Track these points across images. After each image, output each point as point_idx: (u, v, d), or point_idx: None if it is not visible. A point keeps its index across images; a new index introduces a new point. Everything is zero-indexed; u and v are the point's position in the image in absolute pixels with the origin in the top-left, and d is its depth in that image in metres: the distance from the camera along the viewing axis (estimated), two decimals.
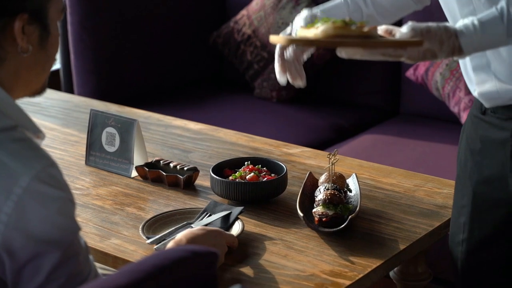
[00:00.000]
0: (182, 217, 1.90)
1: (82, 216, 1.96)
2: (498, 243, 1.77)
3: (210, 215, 1.89)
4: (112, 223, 1.93)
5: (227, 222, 1.85)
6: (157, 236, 1.79)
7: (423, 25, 1.58)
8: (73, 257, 1.34)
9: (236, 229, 1.82)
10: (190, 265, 1.21)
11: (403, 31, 1.57)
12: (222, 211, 1.89)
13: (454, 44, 1.57)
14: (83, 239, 1.42)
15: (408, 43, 1.56)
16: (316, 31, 1.55)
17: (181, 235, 1.65)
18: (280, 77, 1.75)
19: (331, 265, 1.71)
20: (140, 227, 1.85)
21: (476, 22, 1.55)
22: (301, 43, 1.62)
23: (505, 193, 1.71)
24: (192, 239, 1.63)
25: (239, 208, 1.88)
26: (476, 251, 1.80)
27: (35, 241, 1.29)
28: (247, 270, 1.71)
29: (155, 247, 1.76)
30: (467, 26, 1.56)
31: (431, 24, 1.58)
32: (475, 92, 1.74)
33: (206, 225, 1.84)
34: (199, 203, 1.97)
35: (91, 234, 1.88)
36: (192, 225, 1.85)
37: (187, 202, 2.01)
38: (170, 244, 1.64)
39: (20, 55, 1.37)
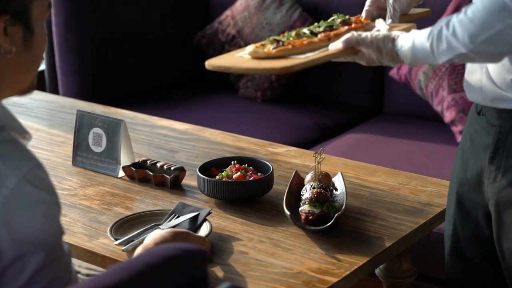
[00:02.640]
0: (151, 219, 1.92)
1: (70, 216, 1.97)
2: (478, 243, 1.78)
3: (178, 217, 1.90)
4: (100, 223, 1.94)
5: (195, 224, 1.87)
6: (125, 238, 1.81)
7: (363, 34, 1.63)
8: (55, 261, 1.34)
9: (204, 230, 1.83)
10: (181, 262, 1.22)
11: (337, 42, 1.66)
12: (190, 212, 1.90)
13: (392, 52, 1.60)
14: (66, 244, 1.42)
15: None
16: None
17: (149, 240, 1.64)
18: None
19: (318, 263, 1.73)
20: (108, 228, 1.86)
21: (412, 37, 1.58)
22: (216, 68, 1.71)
23: (482, 198, 1.72)
24: (161, 243, 1.62)
25: (207, 210, 1.90)
26: (459, 248, 1.82)
27: (20, 242, 1.29)
28: (235, 268, 1.72)
29: (123, 248, 1.77)
30: (404, 38, 1.59)
31: (373, 33, 1.63)
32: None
33: (174, 226, 1.86)
34: (187, 203, 1.98)
35: (79, 234, 1.89)
36: (160, 226, 1.86)
37: (174, 202, 2.02)
38: (139, 250, 1.62)
39: (3, 56, 1.37)
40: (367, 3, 1.87)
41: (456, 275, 1.86)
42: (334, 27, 1.78)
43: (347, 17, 1.83)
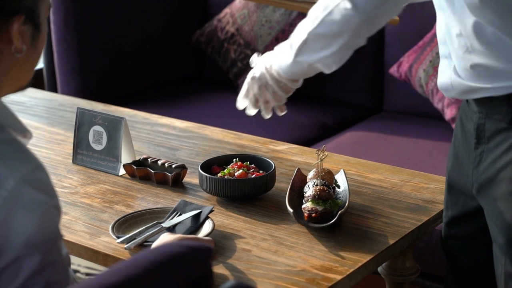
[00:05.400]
0: (152, 217, 1.91)
1: (71, 214, 1.96)
2: (465, 223, 1.82)
3: (180, 215, 1.89)
4: (101, 221, 1.93)
5: (197, 221, 1.86)
6: (127, 236, 1.80)
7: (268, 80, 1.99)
8: (52, 265, 1.32)
9: (206, 228, 1.83)
10: (186, 260, 1.21)
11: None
12: (192, 210, 1.89)
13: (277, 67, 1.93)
14: (65, 249, 1.40)
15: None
16: None
17: (156, 245, 1.63)
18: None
19: (322, 260, 1.72)
20: (110, 226, 1.85)
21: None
22: None
23: (468, 183, 1.74)
24: None
25: (209, 208, 1.89)
26: (450, 227, 1.86)
27: (17, 245, 1.27)
28: (238, 266, 1.71)
29: (125, 246, 1.76)
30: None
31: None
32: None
33: (176, 224, 1.85)
34: (188, 201, 1.97)
35: (80, 232, 1.88)
36: (162, 224, 1.85)
37: (176, 200, 2.01)
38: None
39: (13, 55, 1.35)
40: None
41: (452, 252, 1.88)
42: None
43: None
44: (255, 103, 2.01)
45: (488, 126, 1.63)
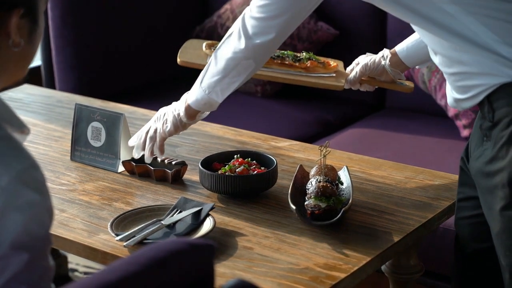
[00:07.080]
0: (152, 214, 1.87)
1: (69, 211, 1.93)
2: (466, 207, 1.83)
3: (180, 212, 1.86)
4: (100, 218, 1.89)
5: (198, 219, 1.83)
6: (126, 233, 1.77)
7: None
8: (39, 269, 1.26)
9: (207, 226, 1.80)
10: (187, 257, 1.18)
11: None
12: (192, 207, 1.86)
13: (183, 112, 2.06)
14: (52, 261, 1.34)
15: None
16: None
17: None
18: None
19: (325, 258, 1.69)
20: (109, 224, 1.82)
21: None
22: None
23: (468, 171, 1.77)
24: None
25: (210, 205, 1.85)
26: (459, 210, 1.87)
27: (5, 243, 1.23)
28: (240, 264, 1.68)
29: (124, 244, 1.73)
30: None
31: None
32: None
33: (176, 222, 1.82)
34: (189, 198, 1.93)
35: (78, 229, 1.84)
36: (162, 221, 1.82)
37: (176, 197, 1.98)
38: None
39: (10, 49, 1.32)
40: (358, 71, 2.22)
41: (463, 233, 1.87)
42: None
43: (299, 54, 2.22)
44: (145, 136, 2.05)
45: (485, 125, 1.69)
